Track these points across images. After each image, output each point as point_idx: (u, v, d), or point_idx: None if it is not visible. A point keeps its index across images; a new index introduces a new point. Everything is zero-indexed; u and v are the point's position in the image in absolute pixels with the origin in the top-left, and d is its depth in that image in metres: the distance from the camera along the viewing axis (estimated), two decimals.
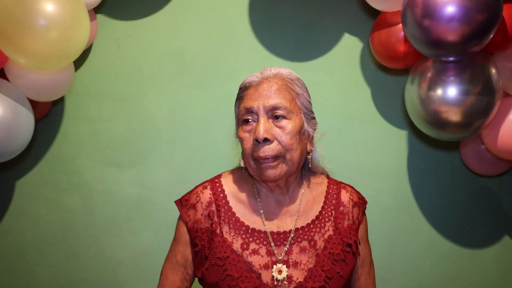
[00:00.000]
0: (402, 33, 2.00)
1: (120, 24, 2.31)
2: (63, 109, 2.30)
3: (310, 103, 1.42)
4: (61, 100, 2.29)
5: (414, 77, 1.97)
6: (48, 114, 2.28)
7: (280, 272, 1.31)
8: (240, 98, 1.38)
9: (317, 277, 1.32)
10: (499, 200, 2.37)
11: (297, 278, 1.32)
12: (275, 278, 1.31)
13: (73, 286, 2.29)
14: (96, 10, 2.25)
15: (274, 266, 1.32)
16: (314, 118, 1.42)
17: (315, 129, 1.41)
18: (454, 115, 1.87)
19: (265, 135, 1.28)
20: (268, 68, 1.40)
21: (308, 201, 1.41)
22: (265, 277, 1.31)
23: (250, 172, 1.37)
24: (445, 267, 2.37)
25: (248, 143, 1.32)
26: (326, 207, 1.41)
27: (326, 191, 1.44)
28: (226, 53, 2.30)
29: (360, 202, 1.47)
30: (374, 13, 2.27)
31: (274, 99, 1.31)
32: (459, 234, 2.36)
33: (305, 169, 1.45)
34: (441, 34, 1.67)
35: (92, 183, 2.30)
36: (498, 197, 2.37)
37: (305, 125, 1.36)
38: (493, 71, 1.87)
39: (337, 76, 2.34)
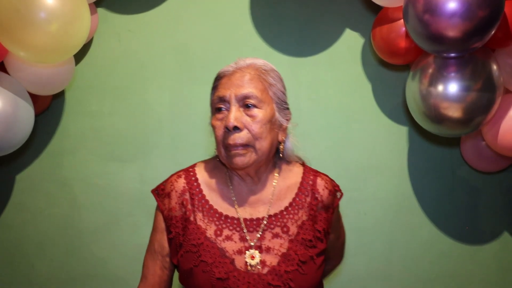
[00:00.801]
0: (404, 28, 2.00)
1: (121, 18, 2.30)
2: (63, 103, 2.30)
3: (284, 93, 1.44)
4: (61, 94, 2.29)
5: (415, 73, 1.97)
6: (48, 108, 2.28)
7: (253, 257, 1.35)
8: (214, 87, 1.41)
9: (290, 261, 1.35)
10: (500, 196, 2.36)
11: (271, 263, 1.35)
12: (248, 263, 1.34)
13: (74, 280, 2.30)
14: (97, 4, 2.25)
15: (247, 252, 1.35)
16: (287, 108, 1.45)
17: (288, 119, 1.44)
18: (455, 111, 1.86)
19: (235, 123, 1.31)
20: (243, 58, 1.43)
21: (282, 189, 1.44)
22: (239, 262, 1.35)
23: (221, 160, 1.40)
24: (445, 263, 2.36)
25: (220, 131, 1.35)
26: (300, 194, 1.44)
27: (301, 179, 1.47)
28: (228, 48, 2.30)
29: (336, 190, 1.50)
30: (375, 8, 2.27)
31: (246, 89, 1.35)
32: (459, 230, 2.36)
33: (279, 158, 1.48)
34: (443, 30, 1.66)
35: (93, 178, 2.30)
36: (498, 193, 2.36)
37: (277, 114, 1.39)
38: (494, 67, 1.86)
39: (338, 71, 2.33)
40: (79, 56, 2.27)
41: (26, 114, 1.91)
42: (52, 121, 2.30)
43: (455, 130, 1.94)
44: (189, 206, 1.40)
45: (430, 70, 1.90)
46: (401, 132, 2.36)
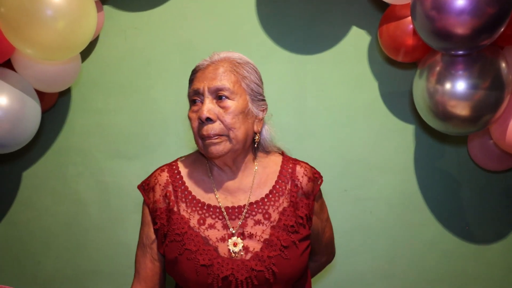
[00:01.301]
0: (411, 26, 1.99)
1: (127, 15, 2.30)
2: (69, 100, 2.30)
3: (258, 85, 1.49)
4: (67, 92, 2.29)
5: (423, 70, 1.96)
6: (54, 106, 2.28)
7: (235, 244, 1.40)
8: (190, 81, 1.46)
9: (273, 246, 1.40)
10: (506, 195, 2.35)
11: (254, 249, 1.40)
12: (231, 250, 1.39)
13: (80, 277, 2.30)
14: (103, 1, 2.25)
15: (230, 239, 1.40)
16: (263, 100, 1.50)
17: (263, 110, 1.49)
18: (462, 110, 1.85)
19: (207, 115, 1.36)
20: (218, 52, 1.48)
21: (262, 177, 1.49)
22: (222, 249, 1.39)
23: (200, 151, 1.46)
24: (450, 262, 2.36)
25: (195, 123, 1.41)
26: (280, 181, 1.49)
27: (280, 167, 1.52)
28: (234, 45, 2.29)
29: (315, 177, 1.54)
30: (382, 6, 2.26)
31: (218, 81, 1.40)
32: (465, 229, 2.35)
33: (257, 148, 1.53)
34: (451, 27, 1.65)
35: (99, 175, 2.31)
36: (505, 192, 2.35)
37: (249, 105, 1.43)
38: (503, 65, 1.85)
39: (344, 69, 2.33)
40: (85, 53, 2.27)
41: (33, 111, 1.92)
42: (58, 118, 2.30)
43: (463, 129, 1.93)
44: (173, 198, 1.45)
45: (438, 68, 1.89)
46: (407, 130, 2.35)
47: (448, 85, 1.85)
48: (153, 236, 1.47)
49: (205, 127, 1.37)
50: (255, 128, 1.46)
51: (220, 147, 1.39)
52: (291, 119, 2.33)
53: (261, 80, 1.51)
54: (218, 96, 1.39)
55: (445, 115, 1.89)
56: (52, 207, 2.32)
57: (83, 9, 1.75)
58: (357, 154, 2.34)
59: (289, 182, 1.49)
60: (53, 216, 2.32)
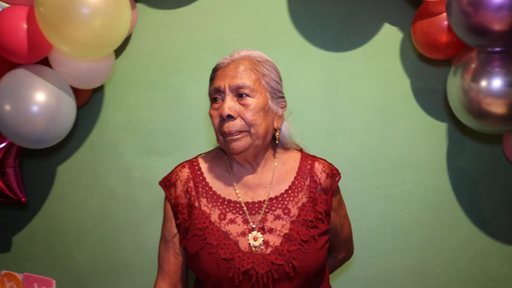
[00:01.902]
0: (446, 22, 1.95)
1: (159, 13, 2.33)
2: (103, 97, 2.34)
3: (278, 83, 1.51)
4: (101, 88, 2.33)
5: (457, 68, 1.92)
6: (88, 102, 2.32)
7: (255, 239, 1.42)
8: (211, 79, 1.50)
9: (292, 241, 1.41)
10: None
11: (274, 243, 1.42)
12: (251, 245, 1.41)
13: (112, 270, 2.35)
14: (136, 0, 2.28)
15: (250, 234, 1.42)
16: (282, 97, 1.52)
17: (283, 107, 1.51)
18: (498, 107, 1.82)
19: (229, 112, 1.39)
20: (238, 50, 1.50)
21: (281, 173, 1.51)
22: (242, 244, 1.42)
23: (221, 147, 1.49)
24: (484, 263, 2.32)
25: (216, 120, 1.44)
26: (299, 177, 1.51)
27: (299, 163, 1.54)
28: (264, 43, 2.30)
29: (334, 173, 1.55)
30: (415, 2, 2.23)
31: (239, 79, 1.42)
32: (499, 230, 2.31)
33: (277, 145, 1.55)
34: (489, 23, 1.62)
35: (131, 170, 2.34)
36: None
37: (269, 102, 1.46)
38: None
39: (376, 67, 2.30)
40: (118, 50, 2.30)
41: (69, 108, 1.96)
42: (91, 114, 2.34)
43: (498, 127, 1.89)
44: (194, 193, 1.48)
45: (473, 65, 1.85)
46: (440, 128, 2.32)
47: (483, 83, 1.82)
48: (175, 231, 1.50)
49: (226, 124, 1.40)
50: (275, 125, 1.49)
51: (241, 143, 1.41)
52: (322, 116, 2.32)
53: (280, 78, 1.53)
54: (239, 94, 1.42)
55: (480, 113, 1.86)
56: (85, 201, 2.37)
57: (118, 7, 1.78)
58: (388, 152, 2.31)
59: (308, 178, 1.51)
60: (86, 210, 2.37)
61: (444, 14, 1.93)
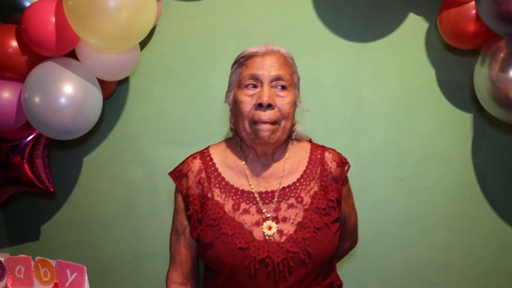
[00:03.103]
0: (474, 11, 1.92)
1: (183, 4, 2.33)
2: (128, 88, 2.36)
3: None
4: (126, 80, 2.35)
5: (485, 57, 1.90)
6: (114, 94, 2.35)
7: (270, 228, 1.43)
8: (243, 64, 1.50)
9: (306, 228, 1.43)
10: None
11: (288, 231, 1.44)
12: (265, 234, 1.43)
13: (138, 259, 2.38)
14: None
15: (264, 223, 1.44)
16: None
17: (300, 104, 1.57)
18: None
19: (270, 101, 1.41)
20: (270, 44, 1.53)
21: (293, 163, 1.54)
22: (257, 233, 1.43)
23: (242, 136, 1.49)
24: (508, 256, 2.29)
25: (248, 106, 1.44)
26: (310, 166, 1.54)
27: (309, 153, 1.57)
28: (289, 34, 2.29)
29: (343, 162, 1.58)
30: None
31: (279, 70, 1.45)
32: None
33: (290, 137, 1.58)
34: None
35: (156, 161, 2.36)
36: None
37: (297, 100, 1.52)
38: None
39: (401, 57, 2.28)
40: (143, 42, 2.32)
41: (95, 100, 1.99)
42: (117, 106, 2.37)
43: None
44: (206, 184, 1.49)
45: (502, 55, 1.83)
46: (466, 119, 2.29)
47: None
48: (186, 223, 1.52)
49: (264, 112, 1.42)
50: (294, 120, 1.54)
51: (272, 135, 1.44)
52: (346, 107, 2.31)
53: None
54: (278, 85, 1.45)
55: (508, 103, 1.83)
56: (111, 192, 2.40)
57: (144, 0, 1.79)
58: (413, 143, 2.29)
59: (319, 167, 1.53)
60: (111, 201, 2.40)
61: (472, 2, 1.90)
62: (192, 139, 2.34)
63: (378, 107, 2.30)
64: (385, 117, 2.30)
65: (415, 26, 2.28)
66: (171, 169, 2.35)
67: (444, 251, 2.31)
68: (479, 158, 2.29)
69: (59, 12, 1.80)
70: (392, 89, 2.29)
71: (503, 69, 1.80)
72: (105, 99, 2.24)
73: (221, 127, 2.34)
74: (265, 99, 1.41)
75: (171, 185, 2.36)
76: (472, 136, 2.29)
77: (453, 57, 2.27)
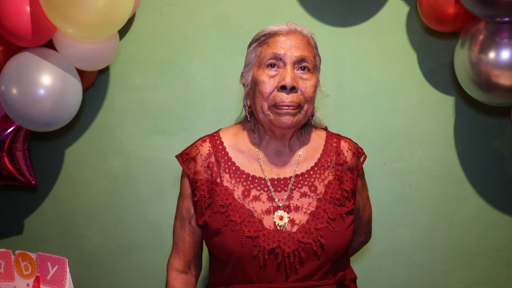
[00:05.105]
0: None
1: None
2: (108, 78, 2.33)
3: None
4: (106, 70, 2.32)
5: (465, 40, 1.90)
6: (94, 84, 2.32)
7: (281, 218, 1.36)
8: (264, 43, 1.40)
9: (319, 219, 1.37)
10: None
11: (300, 221, 1.37)
12: (276, 223, 1.36)
13: (123, 249, 2.37)
14: None
15: (275, 212, 1.37)
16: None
17: (319, 87, 1.48)
18: (507, 79, 1.81)
19: (294, 83, 1.33)
20: (293, 23, 1.43)
21: (308, 151, 1.47)
22: (267, 222, 1.36)
23: (259, 117, 1.40)
24: (492, 237, 2.32)
25: (269, 87, 1.35)
26: (325, 155, 1.47)
27: (325, 141, 1.50)
28: (270, 19, 2.24)
29: (359, 152, 1.53)
30: None
31: (303, 51, 1.37)
32: (507, 203, 2.30)
33: (307, 124, 1.52)
34: None
35: (138, 150, 2.35)
36: None
37: (318, 83, 1.44)
38: None
39: (382, 40, 2.28)
40: (123, 31, 2.29)
41: (75, 90, 1.96)
42: (97, 96, 2.34)
43: (507, 99, 1.88)
44: (215, 169, 1.42)
45: (481, 37, 1.83)
46: (448, 102, 2.30)
47: (492, 54, 1.80)
48: (192, 210, 1.45)
49: (286, 96, 1.34)
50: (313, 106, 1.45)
51: (294, 119, 1.36)
52: (329, 91, 2.28)
53: None
54: (302, 66, 1.37)
55: (488, 86, 1.84)
56: (94, 182, 2.38)
57: None
58: (396, 127, 2.30)
59: (334, 156, 1.47)
60: (95, 192, 2.38)
61: None
62: (174, 128, 2.33)
63: (361, 90, 2.30)
64: (368, 101, 2.30)
65: (396, 9, 2.27)
66: (154, 158, 2.36)
67: (428, 232, 2.33)
68: (461, 140, 2.31)
69: (34, 1, 1.76)
70: (374, 72, 2.29)
71: (483, 51, 1.81)
72: (85, 89, 2.22)
73: (204, 115, 2.32)
74: (288, 81, 1.32)
75: (155, 174, 2.36)
76: (454, 119, 2.30)
77: (434, 40, 2.27)
